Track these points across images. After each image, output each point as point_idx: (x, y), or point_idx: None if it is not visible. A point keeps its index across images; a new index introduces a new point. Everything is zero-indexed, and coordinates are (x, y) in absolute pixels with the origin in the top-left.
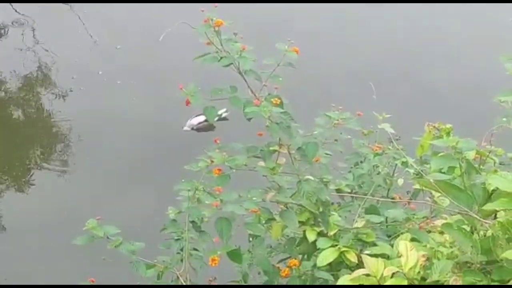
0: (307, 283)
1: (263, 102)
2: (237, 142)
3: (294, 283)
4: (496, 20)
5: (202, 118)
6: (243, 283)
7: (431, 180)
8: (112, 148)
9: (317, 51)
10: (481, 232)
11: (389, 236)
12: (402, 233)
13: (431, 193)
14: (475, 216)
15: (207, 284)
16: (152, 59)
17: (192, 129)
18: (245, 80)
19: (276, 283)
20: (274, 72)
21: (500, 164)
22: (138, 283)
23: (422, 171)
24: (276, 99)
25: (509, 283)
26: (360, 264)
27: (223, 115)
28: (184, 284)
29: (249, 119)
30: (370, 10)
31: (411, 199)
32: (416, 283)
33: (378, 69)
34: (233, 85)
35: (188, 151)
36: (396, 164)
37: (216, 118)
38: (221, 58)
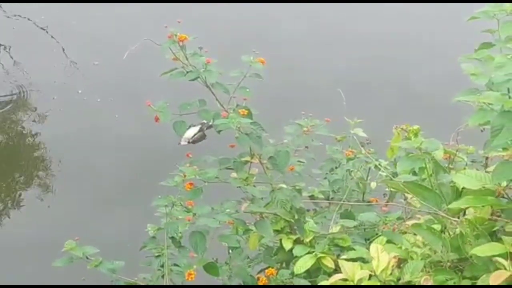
0: None
1: (231, 113)
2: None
3: None
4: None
5: (195, 129)
6: None
7: (400, 182)
8: (95, 167)
9: (301, 58)
10: (452, 231)
11: (367, 240)
12: (378, 236)
13: (404, 195)
14: (444, 215)
15: None
16: (130, 74)
17: (189, 142)
18: (213, 93)
19: None
20: (245, 83)
21: (472, 162)
22: None
23: (394, 173)
24: (244, 110)
25: (480, 279)
26: (337, 269)
27: (210, 122)
28: None
29: (219, 132)
30: (355, 15)
31: (388, 202)
32: (393, 284)
33: (362, 74)
34: (202, 99)
35: (172, 166)
36: (370, 168)
37: (205, 128)
38: (187, 72)
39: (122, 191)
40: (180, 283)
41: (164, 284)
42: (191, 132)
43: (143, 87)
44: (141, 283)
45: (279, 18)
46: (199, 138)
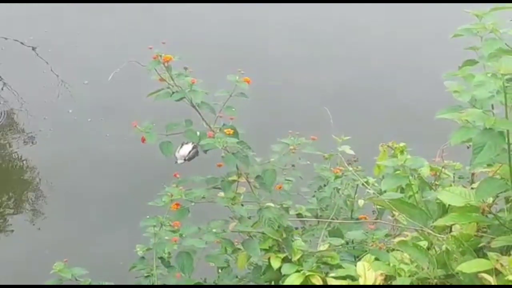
0: None
1: (217, 133)
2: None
3: None
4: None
5: (189, 147)
6: None
7: (385, 199)
8: (86, 187)
9: (290, 75)
10: (438, 247)
11: (356, 257)
12: (367, 253)
13: (392, 212)
14: (430, 231)
15: None
16: (120, 93)
17: (185, 160)
18: (199, 113)
19: None
20: (232, 103)
21: (460, 178)
22: None
23: (381, 190)
24: (229, 129)
25: None
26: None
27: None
28: None
29: (206, 151)
30: (344, 31)
31: (376, 219)
32: None
33: (352, 90)
34: (188, 119)
35: (164, 185)
36: (357, 185)
37: (198, 144)
38: (173, 93)
39: (113, 211)
40: None
41: None
42: (186, 149)
43: (133, 106)
44: None
45: (266, 34)
46: (193, 155)
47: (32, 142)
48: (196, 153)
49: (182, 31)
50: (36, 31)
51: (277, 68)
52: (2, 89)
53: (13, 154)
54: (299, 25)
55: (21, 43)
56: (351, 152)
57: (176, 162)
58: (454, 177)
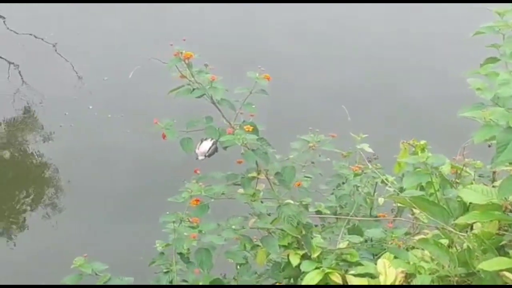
0: None
1: (237, 130)
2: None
3: None
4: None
5: (209, 143)
6: None
7: (407, 197)
8: (106, 183)
9: (292, 75)
10: (459, 245)
11: (375, 255)
12: (386, 251)
13: (412, 210)
14: (451, 229)
15: None
16: (140, 89)
17: (205, 156)
18: (219, 110)
19: None
20: (249, 100)
21: (480, 176)
22: None
23: (401, 188)
24: (249, 126)
25: None
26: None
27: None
28: None
29: (225, 148)
30: (344, 31)
31: (396, 217)
32: None
33: (354, 89)
34: (209, 116)
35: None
36: (376, 183)
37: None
38: (193, 90)
39: (132, 207)
40: None
41: None
42: (206, 146)
43: (153, 102)
44: None
45: (266, 34)
46: (213, 151)
47: (53, 137)
48: (216, 149)
49: (182, 31)
50: (57, 28)
51: (277, 68)
52: (23, 82)
53: (34, 148)
54: (299, 25)
55: (42, 39)
56: (370, 150)
57: (197, 158)
58: (475, 175)
